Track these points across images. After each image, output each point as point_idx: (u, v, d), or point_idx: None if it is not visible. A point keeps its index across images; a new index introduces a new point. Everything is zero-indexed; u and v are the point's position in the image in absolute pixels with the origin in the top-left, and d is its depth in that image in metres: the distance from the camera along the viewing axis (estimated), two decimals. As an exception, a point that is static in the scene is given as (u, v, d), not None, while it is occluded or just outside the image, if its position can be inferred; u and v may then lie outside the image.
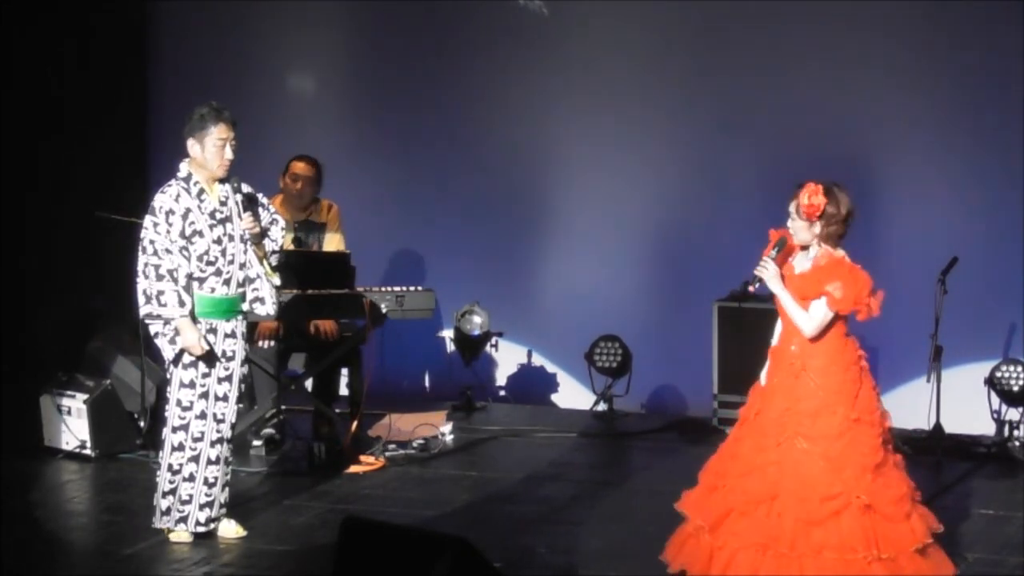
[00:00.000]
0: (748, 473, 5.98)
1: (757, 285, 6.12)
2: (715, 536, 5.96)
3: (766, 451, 5.98)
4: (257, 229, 6.82)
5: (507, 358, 10.31)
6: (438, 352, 10.44)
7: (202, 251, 6.73)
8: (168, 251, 6.64)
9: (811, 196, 6.00)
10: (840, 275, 5.98)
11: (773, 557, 5.86)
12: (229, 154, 6.73)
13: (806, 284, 6.03)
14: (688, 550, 6.07)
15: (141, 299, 6.70)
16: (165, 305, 6.63)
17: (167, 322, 6.65)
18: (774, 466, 5.94)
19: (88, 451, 8.36)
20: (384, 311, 8.40)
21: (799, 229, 6.06)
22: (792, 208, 6.06)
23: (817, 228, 6.03)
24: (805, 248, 6.11)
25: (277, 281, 7.02)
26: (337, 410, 8.68)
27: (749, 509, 5.92)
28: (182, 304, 6.64)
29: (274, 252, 6.97)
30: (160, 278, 6.63)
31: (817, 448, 5.93)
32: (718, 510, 6.00)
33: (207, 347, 6.71)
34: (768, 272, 6.06)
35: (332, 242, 8.72)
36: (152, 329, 6.75)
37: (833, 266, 6.02)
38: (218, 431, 6.83)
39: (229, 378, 6.84)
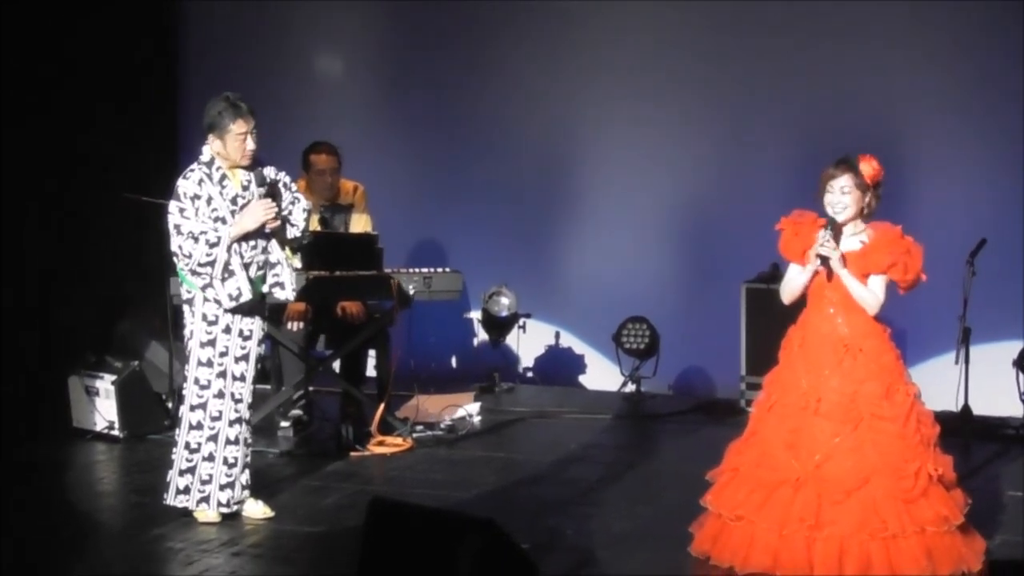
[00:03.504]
0: (828, 459, 5.88)
1: (820, 266, 5.98)
2: (818, 529, 5.82)
3: (843, 436, 5.91)
4: (278, 222, 6.79)
5: (534, 339, 10.30)
6: (466, 333, 10.45)
7: None
8: (203, 233, 6.63)
9: (872, 162, 5.98)
10: (906, 246, 5.99)
11: (881, 541, 5.79)
12: (251, 145, 6.72)
13: (867, 260, 5.98)
14: (731, 541, 6.00)
15: (192, 265, 6.62)
16: (216, 244, 6.60)
17: (223, 263, 6.60)
18: (856, 451, 5.88)
19: (116, 432, 8.41)
20: (411, 292, 8.40)
21: (850, 204, 5.99)
22: (845, 182, 5.98)
23: (868, 197, 6.01)
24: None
25: (298, 264, 7.02)
26: (365, 392, 8.69)
27: (841, 497, 5.84)
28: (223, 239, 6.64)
29: (295, 238, 6.94)
30: (196, 241, 6.60)
31: (894, 427, 5.90)
32: (806, 505, 5.86)
33: (265, 198, 6.70)
34: (836, 253, 5.97)
35: (359, 223, 8.71)
36: (201, 282, 6.66)
37: (896, 237, 6.01)
38: (236, 411, 6.83)
39: (246, 357, 6.83)
